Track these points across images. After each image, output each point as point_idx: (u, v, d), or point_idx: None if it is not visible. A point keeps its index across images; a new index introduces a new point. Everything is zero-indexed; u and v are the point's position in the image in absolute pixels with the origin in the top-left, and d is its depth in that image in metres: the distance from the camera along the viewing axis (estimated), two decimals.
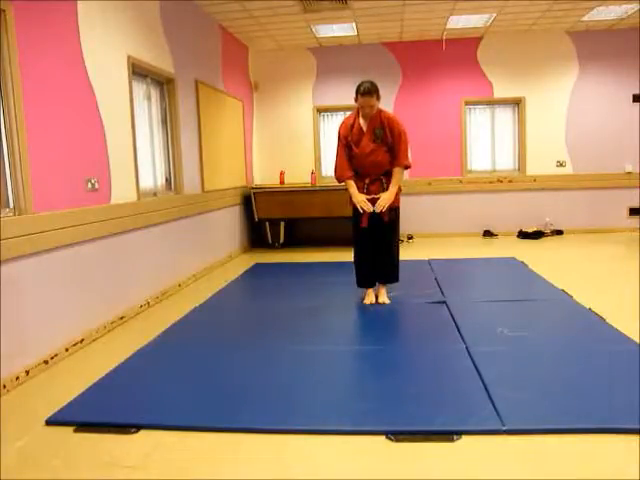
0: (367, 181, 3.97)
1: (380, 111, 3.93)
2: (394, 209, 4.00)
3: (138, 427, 2.29)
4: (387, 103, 7.96)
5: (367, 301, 4.14)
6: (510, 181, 7.90)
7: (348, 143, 3.98)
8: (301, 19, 6.53)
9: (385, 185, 3.95)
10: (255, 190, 7.26)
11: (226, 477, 1.94)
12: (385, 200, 3.88)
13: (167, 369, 2.98)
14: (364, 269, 4.12)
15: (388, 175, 3.96)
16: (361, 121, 3.95)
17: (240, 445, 2.14)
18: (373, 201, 3.91)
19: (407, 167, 3.99)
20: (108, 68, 3.96)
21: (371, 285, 4.17)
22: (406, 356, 3.04)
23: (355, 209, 3.99)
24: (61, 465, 2.04)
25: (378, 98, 3.88)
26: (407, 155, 3.94)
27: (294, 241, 7.70)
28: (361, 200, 3.91)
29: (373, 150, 3.90)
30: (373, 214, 3.92)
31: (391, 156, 3.93)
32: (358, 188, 3.96)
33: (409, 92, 7.94)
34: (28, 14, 3.07)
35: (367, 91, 3.80)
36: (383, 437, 2.13)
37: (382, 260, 4.05)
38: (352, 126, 3.97)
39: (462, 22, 6.97)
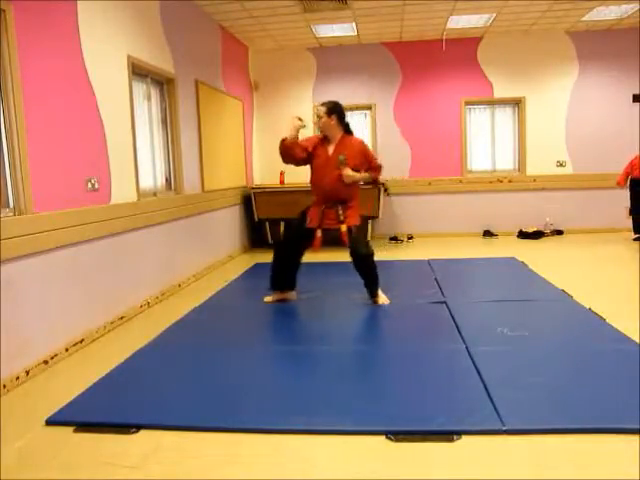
0: (323, 207, 3.96)
1: (345, 137, 4.00)
2: (354, 227, 3.90)
3: (138, 427, 2.29)
4: (387, 103, 7.99)
5: (270, 299, 4.25)
6: (510, 181, 7.90)
7: (312, 152, 4.02)
8: (301, 19, 6.53)
9: (342, 214, 3.90)
10: (255, 190, 7.26)
11: (226, 477, 1.94)
12: (350, 175, 3.86)
13: (167, 369, 2.99)
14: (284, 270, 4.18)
15: (345, 203, 3.94)
16: (329, 148, 4.00)
17: (240, 445, 2.14)
18: (327, 227, 3.94)
19: (379, 169, 4.10)
20: (108, 68, 3.96)
21: (287, 288, 4.22)
22: (406, 356, 3.04)
23: (303, 212, 4.03)
24: (61, 465, 2.04)
25: (330, 115, 3.94)
26: (375, 159, 4.08)
27: None
28: (295, 122, 3.95)
29: (333, 173, 3.89)
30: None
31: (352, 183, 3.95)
32: (314, 211, 3.98)
33: (409, 92, 7.93)
34: (28, 14, 3.07)
35: (322, 103, 4.03)
36: (383, 437, 2.13)
37: (360, 272, 4.00)
38: (321, 144, 4.03)
39: (462, 22, 6.97)
